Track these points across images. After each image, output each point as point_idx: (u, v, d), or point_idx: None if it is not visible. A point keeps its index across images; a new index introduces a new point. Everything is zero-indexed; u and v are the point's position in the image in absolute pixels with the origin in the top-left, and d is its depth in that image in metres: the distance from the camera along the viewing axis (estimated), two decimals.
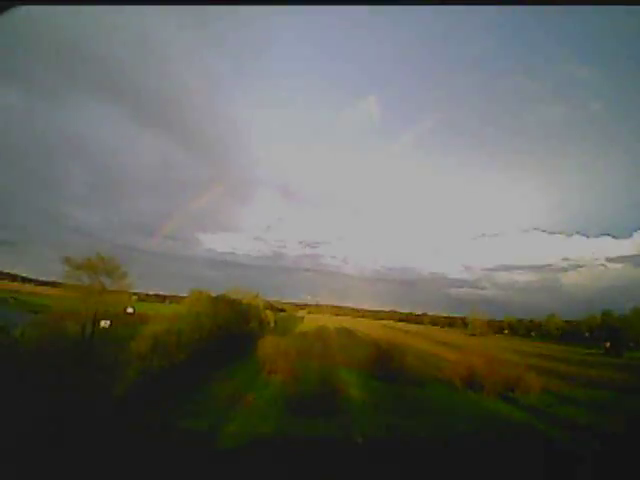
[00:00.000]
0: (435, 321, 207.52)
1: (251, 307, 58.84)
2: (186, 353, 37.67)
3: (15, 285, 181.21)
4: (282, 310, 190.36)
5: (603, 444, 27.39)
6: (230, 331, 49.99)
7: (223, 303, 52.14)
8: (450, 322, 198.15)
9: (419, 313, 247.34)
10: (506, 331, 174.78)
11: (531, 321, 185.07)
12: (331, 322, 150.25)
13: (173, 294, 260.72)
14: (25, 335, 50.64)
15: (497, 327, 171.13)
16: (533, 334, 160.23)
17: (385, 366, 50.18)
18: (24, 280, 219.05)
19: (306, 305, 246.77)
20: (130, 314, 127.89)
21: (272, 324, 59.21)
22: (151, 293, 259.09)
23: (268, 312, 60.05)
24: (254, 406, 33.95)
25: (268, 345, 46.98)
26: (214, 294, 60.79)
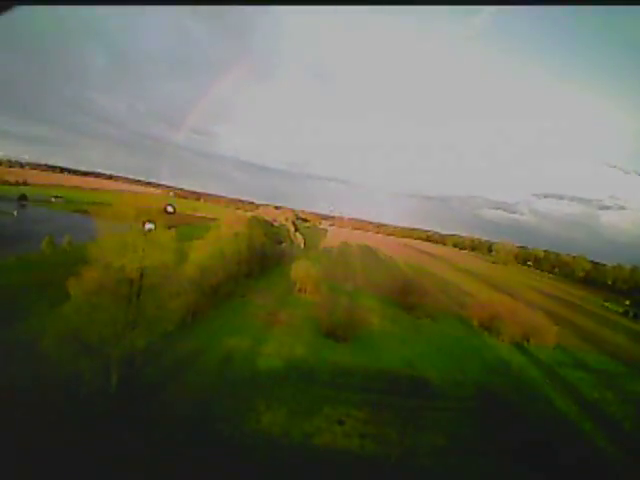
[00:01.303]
0: (459, 243, 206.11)
1: (282, 229, 60.54)
2: (227, 274, 40.91)
3: (55, 177, 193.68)
4: (306, 220, 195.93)
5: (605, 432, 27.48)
6: (264, 251, 52.92)
7: (258, 225, 53.66)
8: (474, 246, 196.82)
9: (444, 233, 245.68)
10: (530, 263, 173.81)
11: (557, 256, 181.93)
12: (354, 238, 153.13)
13: (205, 192, 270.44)
14: (72, 244, 56.19)
15: (522, 258, 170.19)
16: (557, 270, 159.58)
17: (405, 295, 52.68)
18: (62, 170, 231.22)
19: (329, 217, 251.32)
20: (171, 213, 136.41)
21: (302, 245, 61.66)
22: (186, 188, 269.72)
23: (298, 234, 61.84)
24: (288, 325, 38.12)
25: (299, 268, 49.95)
26: (249, 214, 62.45)
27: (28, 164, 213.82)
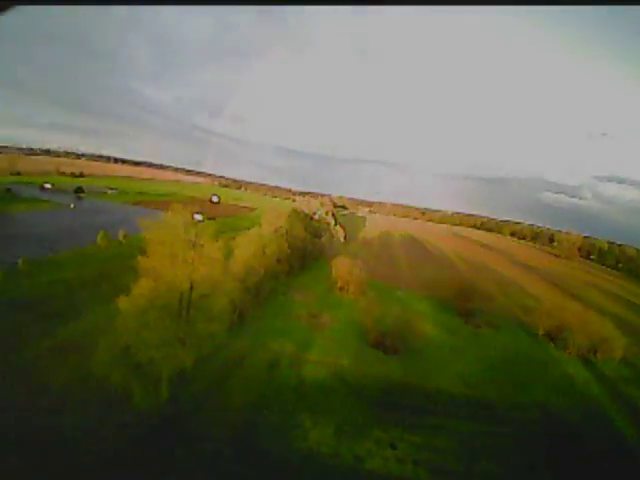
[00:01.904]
0: (517, 232, 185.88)
1: (322, 223, 58.70)
2: (269, 271, 40.17)
3: (109, 168, 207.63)
4: (343, 207, 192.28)
5: None
6: (305, 247, 51.56)
7: (298, 220, 52.24)
8: (534, 235, 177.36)
9: (499, 219, 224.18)
10: (593, 257, 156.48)
11: (622, 249, 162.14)
12: (397, 227, 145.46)
13: (244, 179, 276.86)
14: (127, 237, 59.16)
15: (585, 250, 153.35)
16: (620, 266, 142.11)
17: (463, 299, 47.95)
18: (116, 161, 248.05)
19: (368, 202, 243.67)
20: (216, 203, 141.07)
21: (342, 239, 59.52)
22: (227, 176, 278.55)
23: (338, 228, 59.62)
24: (331, 330, 36.65)
25: (341, 265, 48.00)
26: (289, 207, 61.09)
27: (84, 155, 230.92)
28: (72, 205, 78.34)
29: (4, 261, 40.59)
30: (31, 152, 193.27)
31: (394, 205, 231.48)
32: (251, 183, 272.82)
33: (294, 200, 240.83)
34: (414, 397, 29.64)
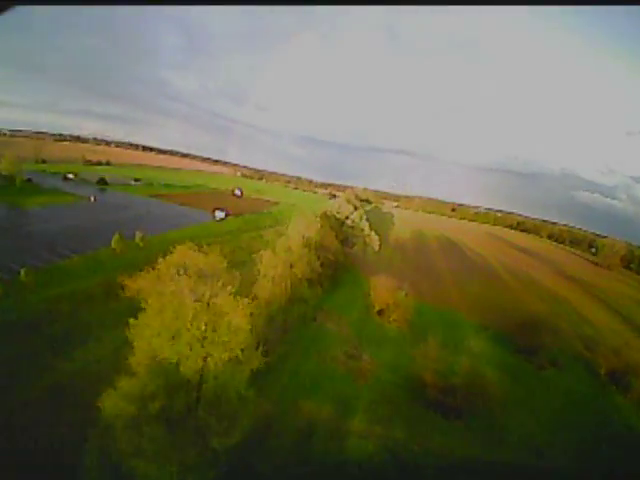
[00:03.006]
0: (555, 234, 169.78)
1: (356, 229, 51.48)
2: (299, 295, 33.81)
3: (136, 156, 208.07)
4: (367, 201, 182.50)
5: None
6: (337, 260, 44.73)
7: (330, 229, 45.25)
8: (572, 238, 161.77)
9: (535, 219, 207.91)
10: (633, 265, 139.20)
11: None
12: (428, 226, 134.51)
13: (266, 169, 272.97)
14: (145, 239, 54.47)
15: (624, 258, 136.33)
16: None
17: (526, 332, 39.49)
18: (144, 149, 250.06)
19: (394, 196, 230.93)
20: (238, 196, 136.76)
21: (377, 247, 52.21)
22: (250, 166, 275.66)
23: (373, 235, 52.19)
24: (377, 380, 29.86)
25: (381, 286, 40.80)
26: (318, 213, 54.06)
27: (112, 142, 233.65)
28: (92, 198, 75.24)
29: (9, 269, 36.64)
30: (61, 138, 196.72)
31: (423, 199, 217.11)
32: (273, 173, 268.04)
33: (316, 192, 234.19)
34: (482, 475, 23.11)
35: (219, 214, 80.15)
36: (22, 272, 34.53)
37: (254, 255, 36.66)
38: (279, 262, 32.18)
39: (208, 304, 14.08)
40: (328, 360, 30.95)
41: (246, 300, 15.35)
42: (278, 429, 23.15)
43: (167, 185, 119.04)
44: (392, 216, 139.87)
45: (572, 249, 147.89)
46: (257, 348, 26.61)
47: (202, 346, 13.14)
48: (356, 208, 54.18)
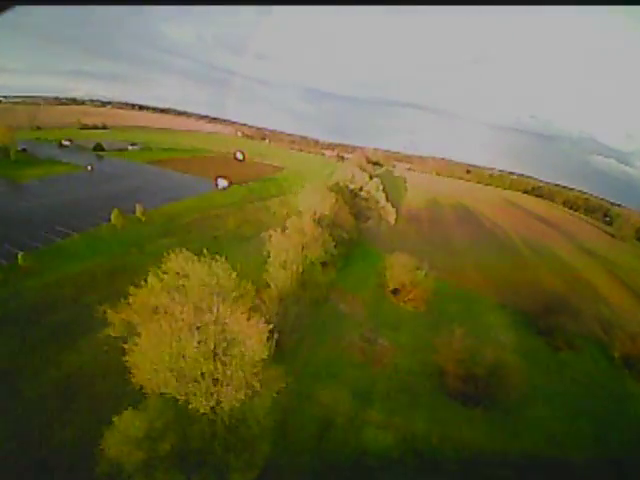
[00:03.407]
0: (569, 200, 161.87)
1: (372, 201, 47.71)
2: (312, 279, 31.81)
3: (132, 117, 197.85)
4: (378, 164, 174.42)
5: None
6: (351, 238, 41.97)
7: (344, 203, 41.87)
8: (587, 206, 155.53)
9: (549, 183, 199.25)
10: None
11: None
12: (443, 191, 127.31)
13: (269, 128, 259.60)
14: (146, 213, 51.69)
15: (635, 228, 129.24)
16: None
17: (546, 312, 38.11)
18: (141, 108, 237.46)
19: (406, 156, 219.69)
20: (240, 160, 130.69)
21: (393, 220, 48.69)
22: (250, 124, 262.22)
23: (389, 207, 48.43)
24: (395, 368, 28.68)
25: (398, 264, 38.42)
26: (329, 183, 50.00)
27: (110, 103, 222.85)
28: (90, 167, 71.74)
29: (6, 253, 34.99)
30: (57, 101, 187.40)
31: (437, 161, 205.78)
32: (276, 133, 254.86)
33: (323, 154, 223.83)
34: (499, 468, 22.60)
35: (222, 183, 76.27)
36: (19, 257, 32.80)
37: (263, 234, 34.25)
38: (290, 245, 29.70)
39: (215, 329, 11.87)
40: (344, 345, 29.74)
41: (262, 322, 13.08)
42: (294, 422, 22.43)
43: (166, 149, 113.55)
44: (404, 181, 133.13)
45: (587, 217, 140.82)
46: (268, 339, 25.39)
47: (212, 385, 11.22)
48: (371, 177, 49.47)
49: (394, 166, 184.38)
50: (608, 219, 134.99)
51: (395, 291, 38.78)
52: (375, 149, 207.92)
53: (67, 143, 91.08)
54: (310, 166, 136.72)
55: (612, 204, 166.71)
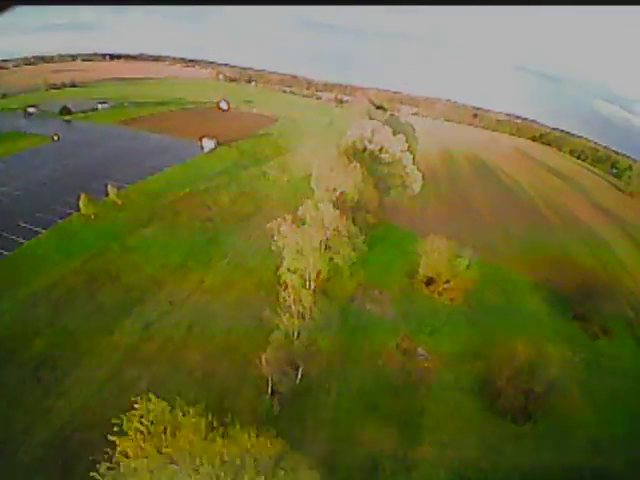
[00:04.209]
0: (576, 149, 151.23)
1: (396, 166, 39.09)
2: (336, 287, 26.03)
3: (104, 68, 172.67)
4: (382, 108, 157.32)
5: None
6: (378, 219, 34.81)
7: (368, 176, 33.82)
8: (594, 156, 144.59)
9: (555, 129, 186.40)
10: None
11: None
12: (454, 140, 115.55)
13: (254, 68, 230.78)
14: (121, 193, 42.58)
15: None
16: None
17: (584, 297, 33.76)
18: (112, 57, 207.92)
19: (412, 99, 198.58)
20: (225, 110, 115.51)
21: (417, 187, 40.74)
22: (234, 65, 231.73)
23: (416, 171, 40.05)
24: (441, 385, 24.34)
25: (434, 251, 32.06)
26: (341, 143, 40.69)
27: (79, 55, 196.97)
28: (56, 137, 61.38)
29: None
30: (24, 61, 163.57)
31: (445, 104, 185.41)
32: (263, 73, 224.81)
33: (319, 97, 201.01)
34: None
35: (208, 144, 65.67)
36: None
37: (269, 226, 27.46)
38: (308, 245, 23.15)
39: None
40: (380, 364, 25.02)
41: None
42: (334, 467, 18.56)
43: (140, 104, 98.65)
44: (413, 129, 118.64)
45: (595, 169, 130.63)
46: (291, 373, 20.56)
47: None
48: (394, 133, 39.92)
49: (399, 110, 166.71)
50: (615, 171, 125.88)
51: (429, 281, 33.26)
52: (377, 90, 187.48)
53: (32, 110, 78.09)
54: (307, 114, 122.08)
55: (617, 153, 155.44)
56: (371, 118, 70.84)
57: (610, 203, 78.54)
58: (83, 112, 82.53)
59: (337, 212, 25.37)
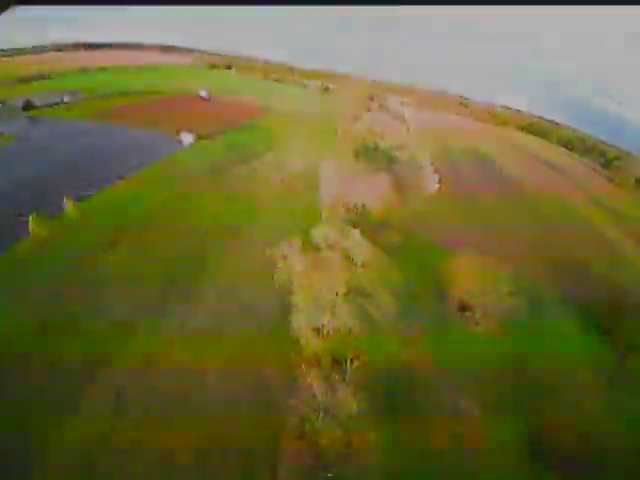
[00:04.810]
0: (563, 140, 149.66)
1: (413, 166, 33.04)
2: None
3: (80, 58, 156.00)
4: (370, 98, 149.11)
5: None
6: (403, 238, 28.86)
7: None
8: (583, 146, 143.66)
9: (541, 118, 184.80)
10: None
11: None
12: (450, 133, 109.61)
13: (235, 54, 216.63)
14: (79, 207, 34.37)
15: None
16: None
17: (612, 310, 30.79)
18: (87, 47, 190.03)
19: (398, 88, 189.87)
20: (206, 99, 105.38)
21: (434, 189, 35.19)
22: (212, 51, 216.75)
23: (432, 170, 34.22)
24: (492, 453, 19.71)
25: (468, 271, 26.91)
26: (350, 137, 34.05)
27: (53, 45, 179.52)
28: (16, 135, 52.56)
29: None
30: (4, 53, 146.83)
31: (427, 92, 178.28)
32: (244, 60, 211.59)
33: (304, 85, 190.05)
34: None
35: (187, 137, 57.64)
36: None
37: (273, 255, 21.33)
38: (328, 289, 17.25)
39: None
40: (427, 431, 19.82)
41: None
42: None
43: (112, 94, 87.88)
44: (405, 121, 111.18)
45: (584, 159, 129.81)
46: None
47: None
48: (408, 129, 34.24)
49: (385, 99, 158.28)
50: (603, 160, 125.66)
51: (463, 308, 28.13)
52: (362, 78, 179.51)
53: None
54: (294, 102, 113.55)
55: (603, 143, 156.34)
56: (368, 110, 64.34)
57: (605, 197, 77.78)
58: (49, 106, 72.23)
59: (368, 243, 19.31)
